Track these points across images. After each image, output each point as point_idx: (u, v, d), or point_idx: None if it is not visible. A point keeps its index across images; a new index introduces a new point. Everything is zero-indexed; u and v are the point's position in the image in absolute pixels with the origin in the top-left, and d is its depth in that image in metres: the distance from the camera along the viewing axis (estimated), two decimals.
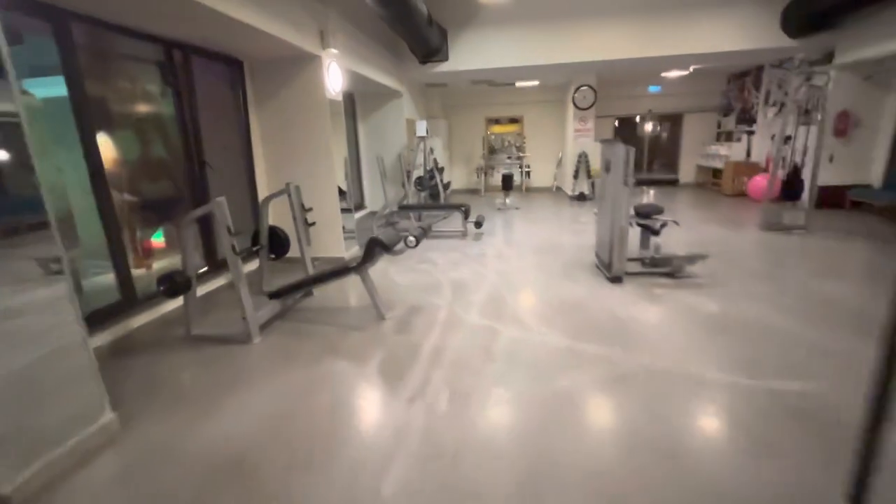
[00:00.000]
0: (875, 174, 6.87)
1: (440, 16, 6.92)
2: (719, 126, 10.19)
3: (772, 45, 6.69)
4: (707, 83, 9.85)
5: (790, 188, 5.54)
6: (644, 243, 4.34)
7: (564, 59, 7.14)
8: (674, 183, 10.78)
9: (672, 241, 4.95)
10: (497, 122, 11.39)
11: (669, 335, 2.88)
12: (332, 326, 3.24)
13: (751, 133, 8.88)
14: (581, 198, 9.05)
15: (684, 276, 3.97)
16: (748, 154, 9.01)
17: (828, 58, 6.88)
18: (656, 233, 4.24)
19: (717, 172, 9.96)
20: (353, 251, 5.19)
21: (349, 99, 7.54)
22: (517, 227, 6.59)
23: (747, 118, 9.06)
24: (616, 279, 3.89)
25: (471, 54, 7.22)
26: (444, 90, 10.09)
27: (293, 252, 3.91)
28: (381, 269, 4.54)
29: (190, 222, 2.88)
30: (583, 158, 9.08)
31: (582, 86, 8.80)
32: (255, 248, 3.85)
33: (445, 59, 7.24)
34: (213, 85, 4.23)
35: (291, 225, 3.80)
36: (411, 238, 3.03)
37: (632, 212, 4.05)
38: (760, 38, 6.66)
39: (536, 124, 11.05)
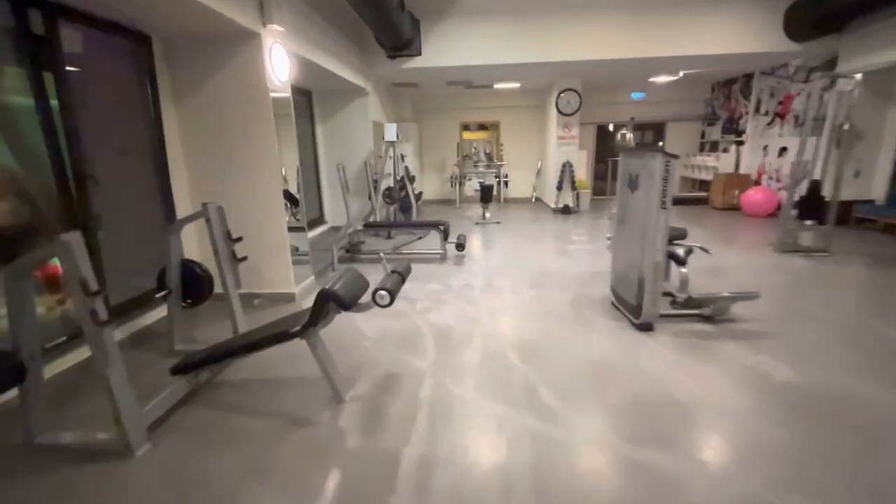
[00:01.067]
0: (877, 189, 6.46)
1: (413, 3, 6.00)
2: (703, 136, 9.77)
3: (773, 49, 6.16)
4: (691, 91, 9.41)
5: (809, 207, 4.94)
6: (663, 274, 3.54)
7: (549, 57, 6.37)
8: None
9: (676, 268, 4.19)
10: (467, 128, 10.56)
11: (746, 423, 2.03)
12: (263, 418, 2.20)
13: (740, 143, 8.43)
14: (566, 210, 8.31)
15: (724, 320, 3.18)
16: (737, 166, 8.56)
17: (828, 65, 6.44)
18: (682, 262, 3.44)
19: (702, 184, 9.50)
20: (306, 283, 4.13)
21: (304, 97, 6.47)
22: (503, 248, 5.72)
23: (735, 128, 8.63)
24: (646, 327, 3.05)
25: (447, 49, 6.33)
26: (416, 92, 9.16)
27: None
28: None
29: (22, 272, 1.78)
30: (567, 168, 8.36)
31: (566, 90, 8.10)
32: (160, 294, 2.75)
33: (418, 53, 6.31)
34: (104, 67, 3.10)
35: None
36: (383, 293, 2.06)
37: None
38: (761, 40, 6.12)
39: (515, 131, 10.29)
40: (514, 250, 5.56)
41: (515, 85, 8.50)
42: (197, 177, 3.70)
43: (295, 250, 4.09)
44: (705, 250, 3.63)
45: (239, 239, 2.87)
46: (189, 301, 2.87)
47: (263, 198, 3.68)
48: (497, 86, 8.50)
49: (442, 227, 5.03)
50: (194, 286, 2.84)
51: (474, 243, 5.96)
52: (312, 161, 6.67)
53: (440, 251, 5.14)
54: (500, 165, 10.02)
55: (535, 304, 3.63)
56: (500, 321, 3.32)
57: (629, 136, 8.98)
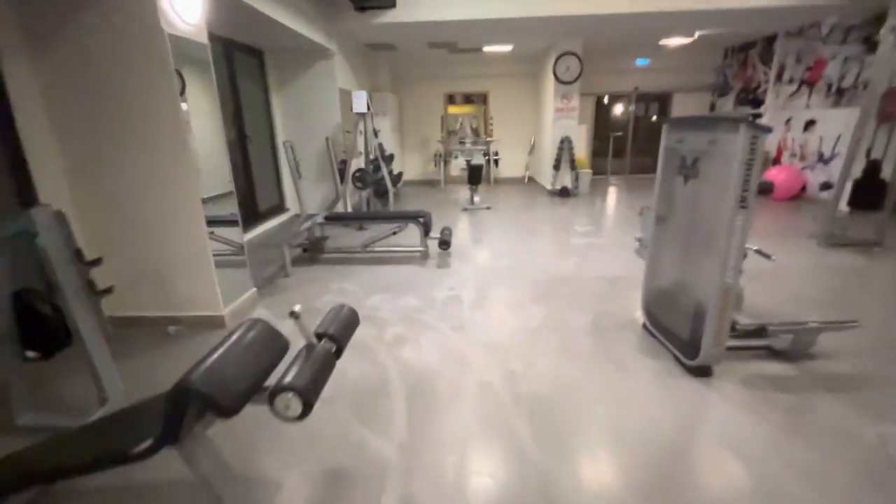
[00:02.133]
0: None
1: None
2: (712, 108, 8.85)
3: (810, 2, 5.21)
4: (701, 57, 8.42)
5: (864, 192, 4.10)
6: None
7: (547, 11, 5.32)
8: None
9: None
10: (453, 100, 9.44)
11: None
12: None
13: (757, 116, 7.54)
14: (564, 193, 7.38)
15: (805, 356, 2.34)
16: None
17: (873, 22, 5.51)
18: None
19: None
20: (243, 299, 3.16)
21: (255, 57, 5.32)
22: (496, 241, 4.79)
23: (751, 99, 7.72)
24: (703, 371, 2.19)
25: (426, 0, 5.22)
26: (394, 56, 8.00)
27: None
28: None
29: None
30: (566, 145, 7.38)
31: (565, 53, 7.04)
32: None
33: (392, 4, 5.19)
34: None
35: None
36: (288, 400, 1.12)
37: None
38: None
39: (506, 103, 9.22)
40: (511, 245, 4.63)
41: (507, 48, 7.40)
42: (78, 162, 2.65)
43: (240, 249, 3.12)
44: (766, 255, 2.75)
45: (96, 262, 1.88)
46: (34, 354, 1.89)
47: (172, 184, 2.66)
48: (486, 49, 7.39)
49: (422, 220, 4.07)
50: (39, 330, 1.86)
51: (462, 236, 5.01)
52: (268, 136, 5.57)
53: (421, 248, 4.20)
54: (490, 142, 8.98)
55: (544, 332, 2.73)
56: (498, 361, 2.42)
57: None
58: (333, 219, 4.23)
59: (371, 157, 5.67)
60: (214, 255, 2.84)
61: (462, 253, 4.35)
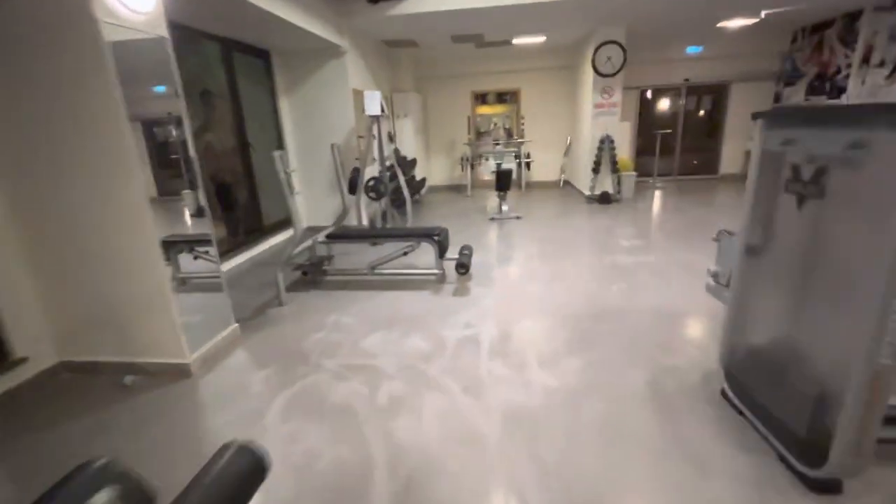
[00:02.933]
0: None
1: None
2: (777, 99, 7.78)
3: None
4: (764, 41, 7.38)
5: None
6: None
7: None
8: (711, 174, 8.40)
9: None
10: (483, 100, 8.81)
11: None
12: None
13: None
14: (604, 199, 6.59)
15: None
16: None
17: None
18: None
19: None
20: (216, 341, 2.67)
21: (260, 59, 4.90)
22: (526, 260, 4.12)
23: (828, 87, 6.65)
24: (830, 486, 1.47)
25: None
26: (416, 54, 7.46)
27: None
28: (238, 383, 2.06)
29: None
30: (606, 145, 6.59)
31: (606, 42, 6.26)
32: None
33: None
34: None
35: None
36: None
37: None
38: None
39: (538, 100, 8.49)
40: (543, 265, 3.96)
41: (539, 39, 6.69)
42: (17, 200, 2.22)
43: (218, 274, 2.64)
44: None
45: None
46: None
47: (119, 212, 2.19)
48: (516, 41, 6.71)
49: (436, 238, 3.47)
50: None
51: (486, 253, 4.38)
52: (276, 143, 5.15)
53: (436, 271, 3.61)
54: (521, 143, 8.27)
55: (585, 397, 2.07)
56: (523, 444, 1.78)
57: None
58: (335, 238, 3.71)
59: (387, 163, 5.13)
60: (196, 278, 2.36)
61: (485, 275, 3.72)
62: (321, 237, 3.68)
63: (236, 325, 2.83)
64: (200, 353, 2.47)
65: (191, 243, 2.59)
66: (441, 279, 3.62)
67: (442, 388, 2.18)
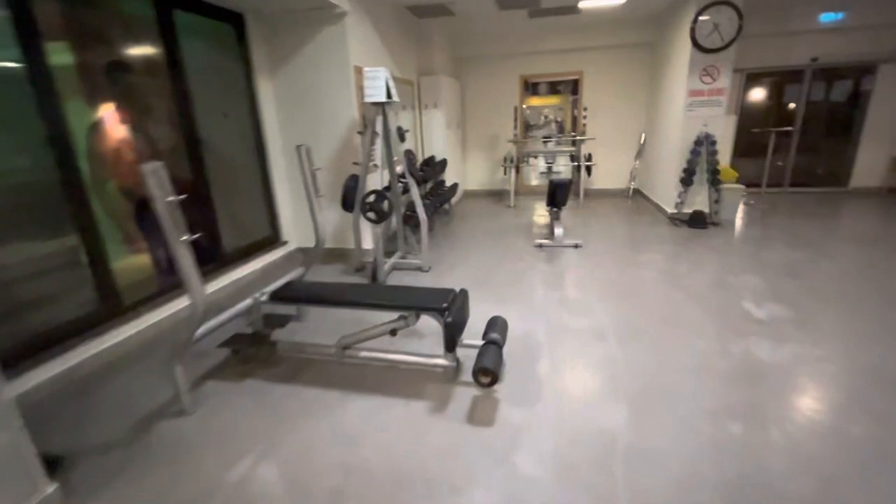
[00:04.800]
0: None
1: None
2: None
3: None
4: None
5: None
6: None
7: None
8: (838, 186, 6.31)
9: None
10: (534, 89, 7.16)
11: None
12: None
13: None
14: (697, 221, 4.81)
15: None
16: None
17: None
18: None
19: None
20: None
21: (229, 24, 3.58)
22: (595, 336, 2.54)
23: None
24: None
25: None
26: (452, 25, 5.94)
27: None
28: None
29: None
30: (705, 146, 4.81)
31: (714, 3, 4.47)
32: None
33: None
34: None
35: None
36: None
37: None
38: None
39: (605, 87, 6.72)
40: (623, 352, 2.39)
41: (618, 1, 4.98)
42: None
43: None
44: None
45: None
46: None
47: None
48: (584, 3, 5.02)
49: (445, 311, 2.00)
50: None
51: (526, 319, 2.84)
52: (251, 136, 3.83)
53: (443, 363, 2.15)
54: (581, 141, 6.55)
55: None
56: None
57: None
58: (284, 300, 2.31)
59: (398, 170, 3.69)
60: None
61: (524, 372, 2.20)
62: (264, 296, 2.30)
63: (51, 489, 1.50)
64: None
65: None
66: (451, 375, 2.15)
67: None
